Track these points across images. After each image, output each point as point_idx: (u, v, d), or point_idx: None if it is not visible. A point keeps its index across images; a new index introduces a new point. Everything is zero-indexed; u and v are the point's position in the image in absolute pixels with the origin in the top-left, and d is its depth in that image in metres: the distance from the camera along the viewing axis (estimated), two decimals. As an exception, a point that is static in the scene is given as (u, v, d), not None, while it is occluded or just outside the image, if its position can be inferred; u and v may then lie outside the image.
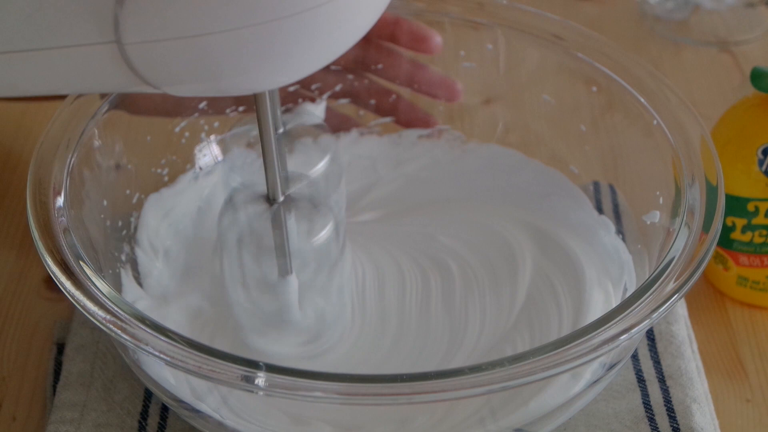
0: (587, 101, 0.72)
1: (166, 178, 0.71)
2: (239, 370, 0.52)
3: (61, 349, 0.67)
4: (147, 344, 0.53)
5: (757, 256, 0.68)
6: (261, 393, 0.57)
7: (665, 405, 0.63)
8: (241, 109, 0.73)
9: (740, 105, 0.69)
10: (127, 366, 0.63)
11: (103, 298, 0.55)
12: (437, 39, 0.73)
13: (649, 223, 0.65)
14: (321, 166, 0.62)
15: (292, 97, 0.75)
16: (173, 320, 0.65)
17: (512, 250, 0.70)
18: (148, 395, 0.63)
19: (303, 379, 0.52)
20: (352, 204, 0.75)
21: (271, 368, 0.52)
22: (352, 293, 0.68)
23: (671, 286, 0.56)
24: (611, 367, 0.60)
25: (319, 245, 0.61)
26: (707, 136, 0.64)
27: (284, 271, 0.61)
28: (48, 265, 0.57)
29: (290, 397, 0.53)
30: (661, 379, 0.64)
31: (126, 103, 0.67)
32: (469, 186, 0.75)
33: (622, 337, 0.53)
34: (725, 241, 0.69)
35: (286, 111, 0.68)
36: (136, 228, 0.69)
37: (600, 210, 0.73)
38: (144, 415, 0.63)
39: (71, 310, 0.68)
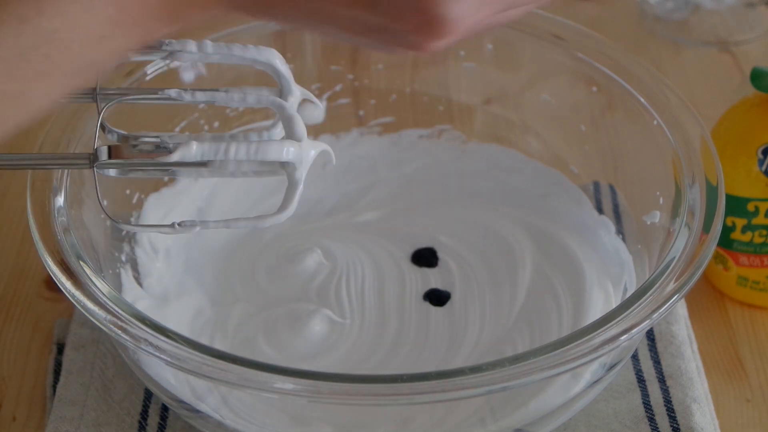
0: (587, 101, 0.72)
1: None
2: (239, 371, 0.52)
3: (61, 349, 0.67)
4: (147, 344, 0.53)
5: (757, 256, 0.68)
6: (262, 393, 0.57)
7: (665, 405, 0.63)
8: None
9: (740, 105, 0.69)
10: (127, 366, 0.63)
11: (103, 298, 0.55)
12: None
13: (649, 223, 0.65)
14: None
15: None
16: (173, 320, 0.65)
17: (512, 250, 0.70)
18: (148, 395, 0.63)
19: (303, 379, 0.52)
20: (352, 204, 0.75)
21: (272, 369, 0.52)
22: (351, 290, 0.68)
23: (671, 286, 0.56)
24: (611, 367, 0.60)
25: None
26: (707, 136, 0.63)
27: None
28: (48, 265, 0.57)
29: (290, 397, 0.53)
30: (661, 379, 0.64)
31: None
32: (469, 186, 0.75)
33: (622, 338, 0.53)
34: (725, 241, 0.69)
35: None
36: (136, 228, 0.69)
37: (600, 210, 0.73)
38: (144, 414, 0.63)
39: (71, 310, 0.68)
